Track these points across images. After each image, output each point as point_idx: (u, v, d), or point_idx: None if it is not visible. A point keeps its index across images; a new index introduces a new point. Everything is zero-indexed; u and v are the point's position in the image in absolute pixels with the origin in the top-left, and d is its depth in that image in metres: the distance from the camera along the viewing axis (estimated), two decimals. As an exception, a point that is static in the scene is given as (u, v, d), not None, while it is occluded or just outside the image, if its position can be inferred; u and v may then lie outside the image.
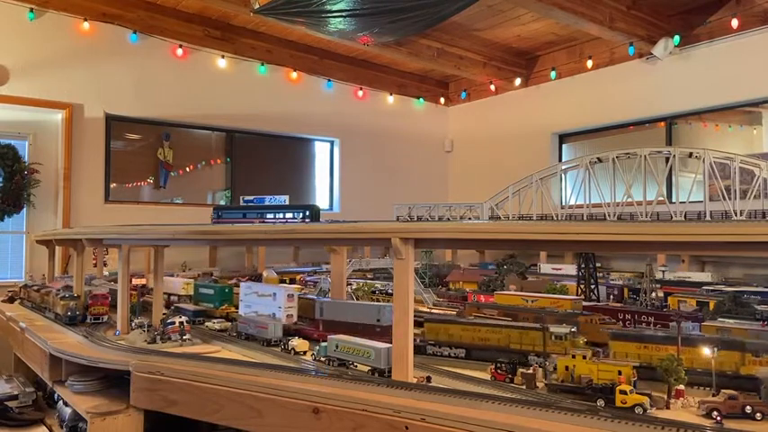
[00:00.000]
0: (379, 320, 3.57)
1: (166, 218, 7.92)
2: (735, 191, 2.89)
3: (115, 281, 5.71)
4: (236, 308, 4.75)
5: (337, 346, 3.19)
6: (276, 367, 3.13)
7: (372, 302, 4.27)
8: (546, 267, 7.34)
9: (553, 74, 10.30)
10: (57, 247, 6.90)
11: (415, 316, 3.91)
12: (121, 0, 8.51)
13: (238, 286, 5.08)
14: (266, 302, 4.32)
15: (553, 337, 2.92)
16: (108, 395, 3.67)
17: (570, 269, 7.18)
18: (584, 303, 4.28)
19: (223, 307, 4.91)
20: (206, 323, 4.51)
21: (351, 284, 5.30)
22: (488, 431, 2.24)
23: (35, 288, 5.77)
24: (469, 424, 2.28)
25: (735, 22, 7.98)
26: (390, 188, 10.97)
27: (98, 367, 3.65)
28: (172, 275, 6.66)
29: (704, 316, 3.63)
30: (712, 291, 4.70)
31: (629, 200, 3.13)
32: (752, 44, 7.99)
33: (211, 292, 5.12)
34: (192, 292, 5.40)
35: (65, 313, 4.60)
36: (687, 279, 5.88)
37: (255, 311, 4.35)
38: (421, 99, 11.93)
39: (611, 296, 5.21)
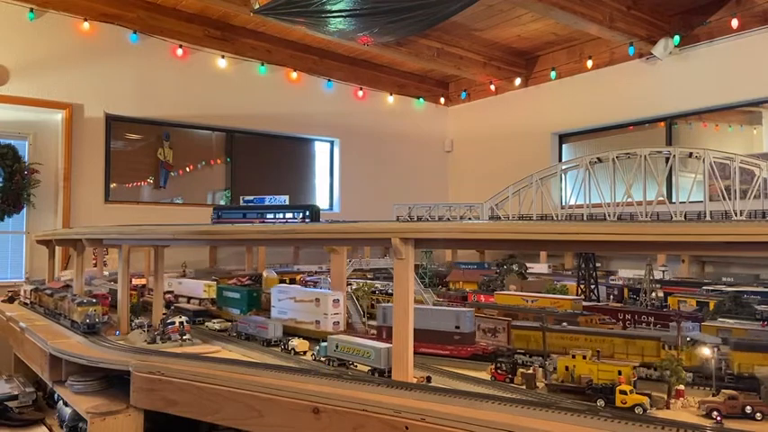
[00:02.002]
0: (458, 327, 3.26)
1: (166, 218, 7.92)
2: (735, 191, 2.89)
3: (115, 281, 5.71)
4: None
5: (337, 346, 3.19)
6: (276, 367, 3.13)
7: (449, 307, 3.78)
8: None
9: (553, 74, 10.30)
10: (57, 247, 6.90)
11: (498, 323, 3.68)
12: (121, 0, 8.51)
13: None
14: (307, 308, 3.97)
15: (667, 347, 2.68)
16: (108, 395, 3.68)
17: (542, 267, 7.24)
18: (584, 303, 4.28)
19: (251, 313, 4.58)
20: (206, 323, 4.51)
21: (351, 284, 5.29)
22: (488, 431, 2.24)
23: (47, 292, 5.33)
24: (469, 424, 2.28)
25: (735, 22, 7.98)
26: (390, 188, 10.96)
27: (98, 367, 3.65)
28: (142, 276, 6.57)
29: (704, 316, 3.63)
30: (712, 291, 4.70)
31: (629, 200, 3.12)
32: (752, 44, 7.98)
33: (237, 296, 4.81)
34: (213, 296, 5.15)
35: (83, 321, 4.18)
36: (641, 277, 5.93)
37: (293, 319, 4.01)
38: (421, 99, 11.93)
39: (611, 296, 5.21)
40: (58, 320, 4.73)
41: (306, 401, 2.70)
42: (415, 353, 3.13)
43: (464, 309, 3.55)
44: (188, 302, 5.33)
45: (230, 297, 4.88)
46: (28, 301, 5.90)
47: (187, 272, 7.41)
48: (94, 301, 4.40)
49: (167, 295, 5.63)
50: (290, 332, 3.91)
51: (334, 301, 3.93)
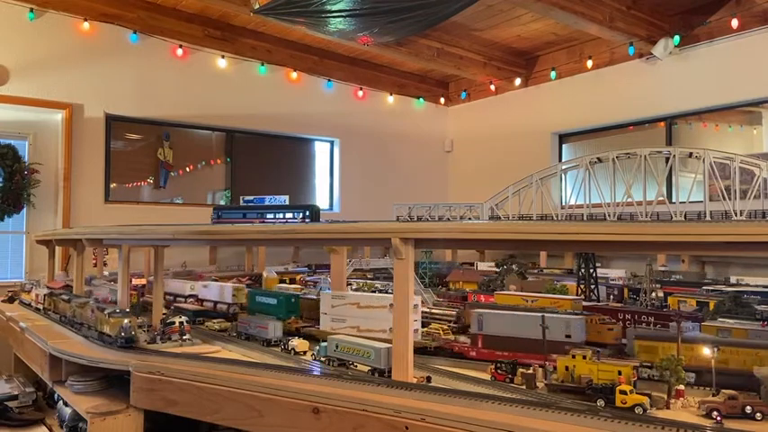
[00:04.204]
0: (569, 336, 2.93)
1: (166, 218, 7.92)
2: (735, 191, 2.89)
3: (115, 281, 5.69)
4: (312, 321, 4.11)
5: (337, 346, 3.19)
6: (276, 367, 3.13)
7: (556, 313, 3.38)
8: (482, 266, 7.51)
9: (553, 74, 10.30)
10: (57, 247, 6.90)
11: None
12: (121, 0, 8.51)
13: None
14: (377, 315, 3.56)
15: None
16: (108, 395, 3.68)
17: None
18: (585, 303, 4.28)
19: (290, 320, 4.17)
20: (206, 323, 4.50)
21: (351, 284, 5.29)
22: (488, 431, 2.24)
23: (64, 297, 4.75)
24: (469, 424, 2.28)
25: (735, 22, 7.98)
26: (390, 188, 10.97)
27: (98, 367, 3.65)
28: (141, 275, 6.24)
29: (704, 316, 3.63)
30: (712, 291, 4.70)
31: (629, 200, 3.12)
32: (752, 44, 7.98)
33: (273, 301, 4.37)
34: (243, 300, 4.76)
35: (118, 334, 3.69)
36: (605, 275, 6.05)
37: (356, 327, 3.59)
38: (421, 99, 11.93)
39: (611, 296, 5.21)
40: (79, 330, 4.20)
41: (306, 401, 2.70)
42: (519, 364, 2.91)
43: (575, 315, 3.19)
44: (214, 308, 4.94)
45: (265, 303, 4.42)
46: (41, 307, 5.38)
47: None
48: (127, 310, 3.97)
49: (190, 299, 5.30)
50: None
51: (413, 306, 3.62)
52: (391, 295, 3.92)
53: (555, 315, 3.17)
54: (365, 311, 3.68)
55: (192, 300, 5.30)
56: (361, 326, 3.64)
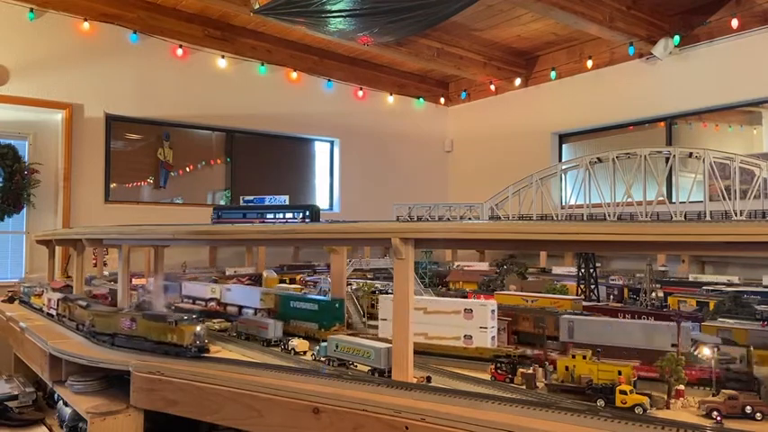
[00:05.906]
0: (674, 345, 2.75)
1: (166, 218, 7.92)
2: (735, 191, 2.89)
3: (115, 281, 5.69)
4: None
5: (337, 346, 3.19)
6: (276, 367, 3.13)
7: (659, 320, 3.10)
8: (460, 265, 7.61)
9: (553, 74, 10.30)
10: (57, 247, 6.91)
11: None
12: (121, 0, 8.51)
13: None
14: (449, 321, 3.29)
15: None
16: (108, 395, 3.68)
17: (483, 266, 7.37)
18: (585, 303, 4.28)
19: (334, 327, 3.82)
20: (206, 323, 4.48)
21: (351, 284, 5.29)
22: (488, 431, 2.24)
23: (81, 303, 4.31)
24: (469, 424, 2.28)
25: (735, 22, 7.98)
26: (390, 188, 10.97)
27: (98, 367, 3.65)
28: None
29: (704, 316, 3.63)
30: (712, 291, 4.71)
31: (629, 200, 3.12)
32: (752, 44, 7.98)
33: (315, 307, 3.95)
34: (272, 306, 4.30)
35: (192, 343, 3.35)
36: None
37: (423, 333, 3.29)
38: (421, 99, 11.93)
39: (611, 296, 5.21)
40: (112, 342, 3.77)
41: (306, 401, 2.70)
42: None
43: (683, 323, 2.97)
44: (239, 312, 4.56)
45: (303, 309, 4.02)
46: (54, 313, 4.96)
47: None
48: (194, 315, 3.63)
49: (210, 303, 5.01)
50: (419, 350, 3.04)
51: (492, 311, 3.31)
52: (464, 300, 3.74)
53: (660, 323, 2.97)
54: (433, 317, 3.38)
55: (212, 304, 4.98)
56: (430, 332, 3.34)
